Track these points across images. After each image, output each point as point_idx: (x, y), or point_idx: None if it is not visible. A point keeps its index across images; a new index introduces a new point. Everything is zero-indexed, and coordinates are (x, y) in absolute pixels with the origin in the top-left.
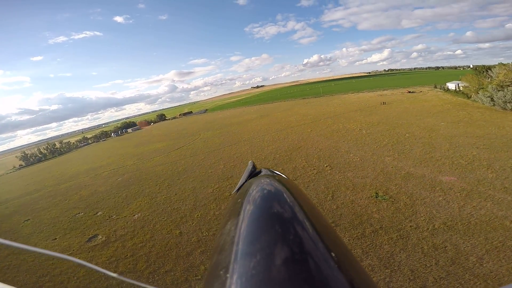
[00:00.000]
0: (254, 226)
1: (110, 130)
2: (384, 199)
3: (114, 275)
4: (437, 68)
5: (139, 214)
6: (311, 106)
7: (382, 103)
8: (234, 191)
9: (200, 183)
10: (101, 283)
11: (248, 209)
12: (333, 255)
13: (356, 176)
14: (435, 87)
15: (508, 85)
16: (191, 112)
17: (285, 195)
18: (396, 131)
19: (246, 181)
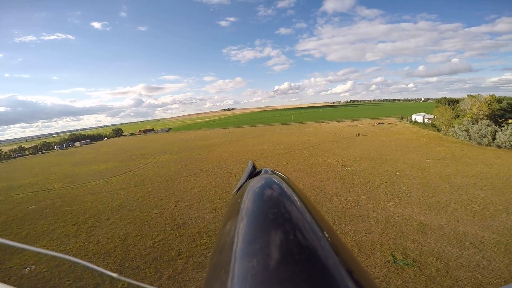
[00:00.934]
0: (254, 226)
1: (54, 142)
2: (407, 264)
3: (114, 275)
4: (393, 100)
5: (34, 267)
6: (284, 133)
7: (357, 134)
8: (234, 191)
9: (137, 229)
10: None
11: (248, 209)
12: (333, 254)
13: (358, 230)
14: (402, 119)
15: (482, 118)
16: (152, 130)
17: (285, 195)
18: (383, 168)
19: (246, 181)
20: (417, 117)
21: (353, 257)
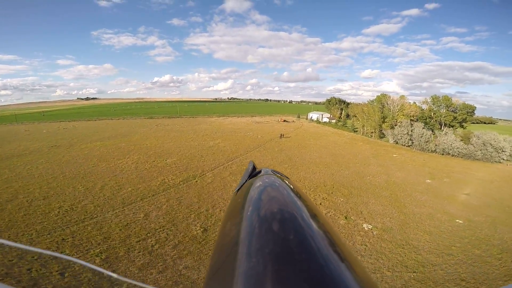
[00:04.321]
0: (254, 226)
1: None
2: None
3: (114, 275)
4: (266, 100)
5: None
6: (168, 132)
7: (281, 136)
8: (235, 191)
9: None
10: None
11: (248, 209)
12: (334, 254)
13: None
14: (299, 117)
15: (414, 120)
16: None
17: (285, 195)
18: (420, 218)
19: (246, 181)
20: (314, 116)
21: (353, 257)
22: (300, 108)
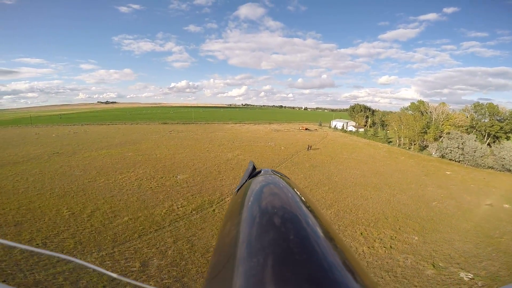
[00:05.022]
0: (255, 226)
1: None
2: None
3: (114, 275)
4: (281, 106)
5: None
6: (182, 140)
7: (309, 148)
8: (235, 191)
9: None
10: None
11: (248, 209)
12: (334, 254)
13: None
14: (321, 124)
15: (463, 131)
16: None
17: (285, 195)
18: None
19: (246, 181)
20: (338, 124)
21: (354, 257)
22: (316, 115)
